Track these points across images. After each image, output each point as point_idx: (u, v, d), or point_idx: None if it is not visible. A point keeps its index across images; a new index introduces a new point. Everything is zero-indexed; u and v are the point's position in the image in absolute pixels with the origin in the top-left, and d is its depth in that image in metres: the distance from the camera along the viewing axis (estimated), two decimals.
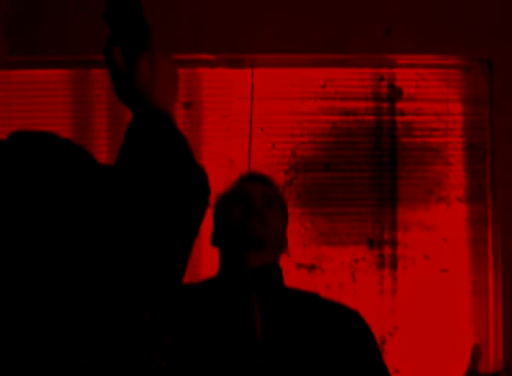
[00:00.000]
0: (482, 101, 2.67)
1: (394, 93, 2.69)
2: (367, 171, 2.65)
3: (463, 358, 2.61)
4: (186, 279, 1.13)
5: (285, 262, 2.60)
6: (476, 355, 1.62)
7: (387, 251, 2.63)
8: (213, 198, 1.68)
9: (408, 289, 2.61)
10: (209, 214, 1.71)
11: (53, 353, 0.94)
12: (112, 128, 2.62)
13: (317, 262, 2.62)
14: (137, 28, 1.11)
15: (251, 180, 1.75)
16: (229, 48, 2.63)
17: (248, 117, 2.66)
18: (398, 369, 2.58)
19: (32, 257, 0.89)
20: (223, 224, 1.68)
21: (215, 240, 1.70)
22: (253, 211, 1.62)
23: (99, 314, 0.93)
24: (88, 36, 2.50)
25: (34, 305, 0.90)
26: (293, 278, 2.58)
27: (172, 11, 2.60)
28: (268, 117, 2.67)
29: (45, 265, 0.89)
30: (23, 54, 2.60)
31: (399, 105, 2.69)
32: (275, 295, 1.61)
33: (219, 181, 2.61)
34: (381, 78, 2.69)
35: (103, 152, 2.58)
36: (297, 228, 2.62)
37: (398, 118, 2.68)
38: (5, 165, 0.93)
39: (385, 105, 2.69)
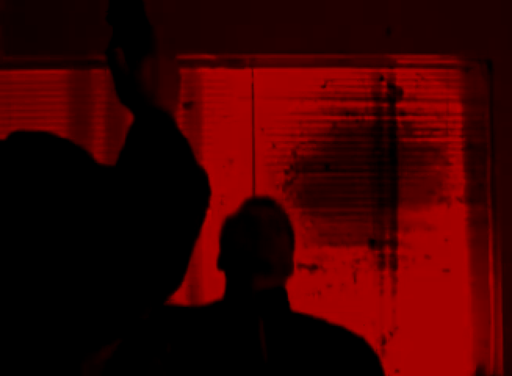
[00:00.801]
0: (482, 101, 2.67)
1: (394, 93, 2.69)
2: (367, 171, 2.65)
3: (463, 358, 2.61)
4: (188, 278, 1.13)
5: None
6: (480, 373, 1.63)
7: (387, 251, 2.62)
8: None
9: (408, 289, 2.61)
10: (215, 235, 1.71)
11: (53, 354, 0.94)
12: (111, 128, 2.62)
13: (318, 262, 2.61)
14: (140, 29, 1.10)
15: (257, 204, 1.75)
16: (229, 48, 2.63)
17: (248, 117, 2.66)
18: (398, 369, 2.58)
19: (32, 257, 0.89)
20: (229, 247, 1.67)
21: (221, 264, 1.70)
22: (259, 234, 1.62)
23: (98, 314, 0.92)
24: (88, 36, 2.50)
25: (33, 305, 0.90)
26: (295, 278, 2.58)
27: (172, 11, 2.60)
28: (268, 117, 2.67)
29: (45, 265, 0.89)
30: (22, 54, 2.60)
31: (399, 105, 2.68)
32: (281, 319, 1.61)
33: (219, 181, 2.61)
34: (381, 78, 2.69)
35: (102, 152, 2.58)
36: (297, 228, 2.62)
37: (398, 118, 2.68)
38: (4, 165, 0.93)
39: (385, 105, 2.68)
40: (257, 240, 1.61)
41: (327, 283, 2.61)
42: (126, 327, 0.97)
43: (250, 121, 2.65)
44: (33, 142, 0.96)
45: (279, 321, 1.60)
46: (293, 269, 1.72)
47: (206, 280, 2.54)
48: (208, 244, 2.55)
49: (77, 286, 0.89)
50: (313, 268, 2.61)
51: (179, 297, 2.44)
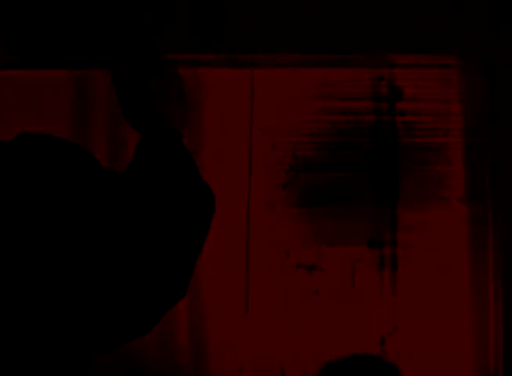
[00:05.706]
0: (482, 101, 2.67)
1: (394, 93, 2.69)
2: (367, 171, 2.65)
3: (463, 358, 2.61)
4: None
5: (284, 263, 2.61)
6: None
7: (387, 251, 2.62)
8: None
9: (408, 289, 2.61)
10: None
11: (54, 354, 0.94)
12: (111, 129, 2.62)
13: (317, 262, 2.61)
14: (145, 48, 1.11)
15: None
16: (229, 48, 2.63)
17: (248, 117, 2.66)
18: None
19: (36, 257, 0.90)
20: None
21: None
22: None
23: (103, 319, 0.93)
24: (88, 36, 2.50)
25: (36, 306, 0.90)
26: (293, 279, 2.58)
27: (172, 11, 2.59)
28: (268, 116, 2.67)
29: (49, 264, 0.90)
30: (22, 54, 2.60)
31: (399, 105, 2.68)
32: None
33: (219, 181, 2.61)
34: (381, 78, 2.69)
35: (102, 152, 2.58)
36: (296, 228, 2.62)
37: (398, 118, 2.68)
38: (12, 166, 0.94)
39: (385, 105, 2.68)
40: None
41: (325, 284, 2.61)
42: (131, 333, 0.98)
43: (248, 121, 2.65)
44: (39, 144, 0.97)
45: None
46: None
47: (206, 290, 2.53)
48: (208, 250, 2.53)
49: (81, 291, 0.90)
50: (311, 268, 2.61)
51: (179, 307, 2.43)
